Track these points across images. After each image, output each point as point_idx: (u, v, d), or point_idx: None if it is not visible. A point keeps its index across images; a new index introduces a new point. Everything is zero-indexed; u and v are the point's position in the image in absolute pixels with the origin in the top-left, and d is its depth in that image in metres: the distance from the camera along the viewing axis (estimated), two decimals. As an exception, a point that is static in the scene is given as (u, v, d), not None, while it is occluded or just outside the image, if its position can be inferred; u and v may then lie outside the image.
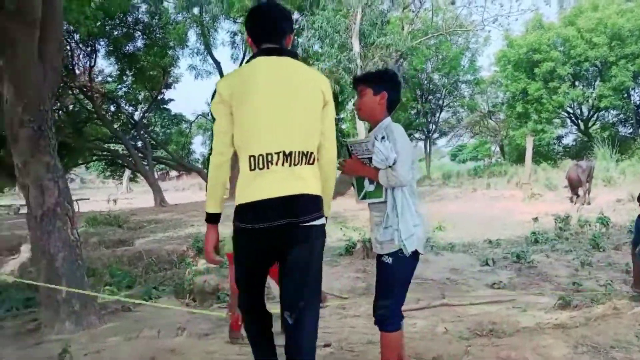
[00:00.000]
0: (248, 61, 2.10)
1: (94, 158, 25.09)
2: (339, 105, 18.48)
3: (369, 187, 2.39)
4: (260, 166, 1.96)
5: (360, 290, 5.54)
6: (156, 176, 25.82)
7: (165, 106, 25.94)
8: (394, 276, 2.35)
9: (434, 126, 30.30)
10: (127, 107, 24.86)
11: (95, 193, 40.25)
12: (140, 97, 24.42)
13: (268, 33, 2.09)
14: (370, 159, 2.32)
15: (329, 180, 2.18)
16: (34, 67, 4.32)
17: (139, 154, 21.93)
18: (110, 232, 13.05)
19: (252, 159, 1.97)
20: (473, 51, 28.22)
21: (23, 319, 5.23)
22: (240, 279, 2.19)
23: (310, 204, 2.03)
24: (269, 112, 1.97)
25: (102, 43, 20.21)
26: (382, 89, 2.39)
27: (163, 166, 31.50)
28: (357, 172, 2.43)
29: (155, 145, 25.01)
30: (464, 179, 23.32)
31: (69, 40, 18.26)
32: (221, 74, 24.63)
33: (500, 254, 7.37)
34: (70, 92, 20.68)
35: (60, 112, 21.22)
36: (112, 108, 24.11)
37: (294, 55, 2.13)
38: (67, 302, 4.57)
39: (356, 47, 16.33)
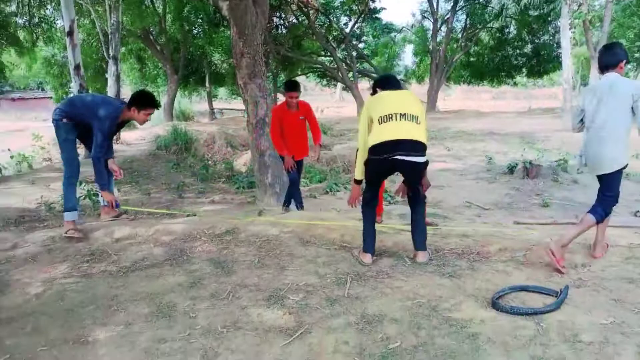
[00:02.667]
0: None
1: (310, 70, 27.98)
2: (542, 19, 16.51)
3: None
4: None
5: (502, 205, 6.11)
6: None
7: (377, 15, 26.93)
8: None
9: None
10: (339, 20, 26.67)
11: (315, 100, 44.80)
12: (351, 10, 25.81)
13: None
14: None
15: None
16: (250, 12, 5.81)
17: (345, 67, 23.75)
18: (316, 137, 15.27)
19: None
20: None
21: (247, 194, 7.35)
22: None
23: None
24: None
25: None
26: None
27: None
28: None
29: (361, 58, 26.58)
30: None
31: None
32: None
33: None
34: (290, 7, 23.11)
35: (282, 27, 24.12)
36: (326, 22, 26.13)
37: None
38: (272, 185, 6.38)
39: None
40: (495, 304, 2.69)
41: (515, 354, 2.27)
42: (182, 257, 3.60)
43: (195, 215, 5.12)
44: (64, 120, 4.12)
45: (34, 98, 36.98)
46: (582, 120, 3.47)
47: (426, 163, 3.35)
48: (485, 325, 2.53)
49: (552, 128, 15.38)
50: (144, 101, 4.14)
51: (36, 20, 10.13)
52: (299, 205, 5.62)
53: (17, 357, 2.39)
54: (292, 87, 5.32)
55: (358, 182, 3.58)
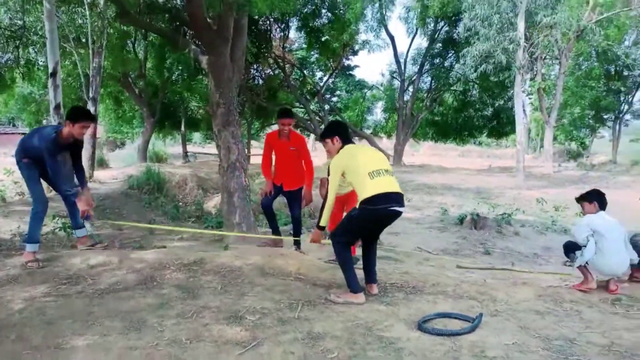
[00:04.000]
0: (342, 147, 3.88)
1: (283, 120, 28.97)
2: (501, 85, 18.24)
3: None
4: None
5: (449, 251, 6.72)
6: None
7: (350, 72, 28.45)
8: None
9: (626, 106, 27.10)
10: (314, 74, 28.05)
11: (285, 149, 45.43)
12: (326, 65, 27.24)
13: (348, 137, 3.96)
14: None
15: None
16: (227, 68, 6.47)
17: (317, 119, 24.82)
18: (285, 183, 15.84)
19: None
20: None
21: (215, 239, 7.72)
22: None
23: None
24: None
25: (293, 20, 23.10)
26: (592, 200, 4.26)
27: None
28: None
29: (332, 112, 27.79)
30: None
31: (268, 18, 21.47)
32: (395, 49, 25.87)
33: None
34: (267, 61, 24.28)
35: (259, 78, 25.19)
36: (301, 75, 27.44)
37: None
38: (239, 225, 6.82)
39: (521, 27, 15.91)
40: (420, 326, 3.20)
41: (430, 364, 2.77)
42: (153, 282, 4.00)
43: (164, 247, 5.52)
44: (24, 160, 4.42)
45: (4, 133, 36.65)
46: None
47: None
48: (410, 342, 3.03)
49: (506, 185, 16.43)
50: (76, 115, 4.32)
51: (21, 60, 10.56)
52: (276, 232, 5.82)
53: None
54: (283, 114, 5.38)
55: (321, 228, 3.94)
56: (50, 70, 10.99)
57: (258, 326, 3.19)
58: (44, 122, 20.05)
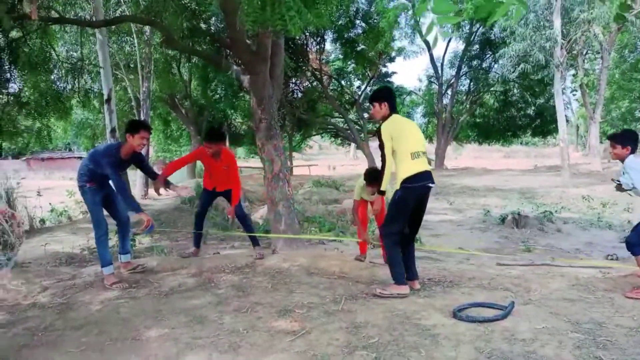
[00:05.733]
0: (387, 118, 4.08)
1: (323, 130, 29.50)
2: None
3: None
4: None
5: (491, 250, 6.85)
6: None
7: (388, 79, 28.69)
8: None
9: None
10: (352, 84, 28.47)
11: (329, 158, 46.13)
12: (363, 74, 27.63)
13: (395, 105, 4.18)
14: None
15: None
16: (267, 85, 6.91)
17: (357, 127, 25.15)
18: (328, 192, 16.25)
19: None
20: None
21: (264, 242, 8.17)
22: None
23: None
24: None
25: (328, 32, 23.64)
26: (626, 144, 4.03)
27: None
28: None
29: (371, 120, 28.04)
30: None
31: (304, 33, 22.10)
32: (431, 54, 25.90)
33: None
34: (305, 74, 24.94)
35: (297, 92, 25.85)
36: (339, 86, 27.93)
37: None
38: (284, 232, 7.23)
39: (557, 24, 15.68)
40: (455, 314, 3.45)
41: (463, 347, 3.03)
42: (210, 284, 4.44)
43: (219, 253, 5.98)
44: (88, 185, 4.55)
45: (62, 158, 39.07)
46: None
47: None
48: (445, 328, 3.29)
49: (552, 184, 16.15)
50: (135, 126, 4.50)
51: (79, 89, 11.50)
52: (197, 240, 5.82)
53: (91, 349, 3.21)
54: (210, 137, 5.33)
55: (382, 192, 4.12)
56: (105, 97, 11.90)
57: (306, 318, 3.54)
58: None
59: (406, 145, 3.94)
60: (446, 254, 7.15)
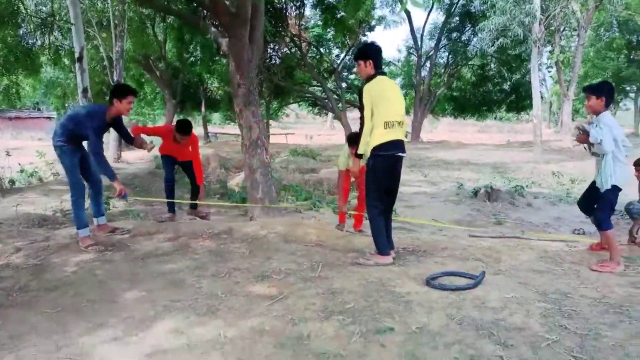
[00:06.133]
0: (372, 78, 3.99)
1: (301, 99, 29.26)
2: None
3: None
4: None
5: (463, 222, 7.02)
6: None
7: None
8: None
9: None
10: (331, 52, 28.12)
11: (306, 127, 45.97)
12: (343, 43, 27.28)
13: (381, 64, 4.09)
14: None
15: None
16: (246, 49, 6.78)
17: (335, 97, 25.03)
18: (305, 161, 16.25)
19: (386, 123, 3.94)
20: None
21: (240, 209, 8.20)
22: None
23: None
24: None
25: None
26: (600, 95, 3.96)
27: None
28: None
29: (349, 89, 27.94)
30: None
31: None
32: (411, 24, 25.72)
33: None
34: (283, 40, 24.49)
35: (276, 58, 25.41)
36: (318, 54, 27.57)
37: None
38: (261, 200, 7.24)
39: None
40: (428, 282, 3.56)
41: (436, 313, 3.13)
42: (187, 249, 4.44)
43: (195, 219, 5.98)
44: (66, 145, 4.46)
45: (30, 117, 37.73)
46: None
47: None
48: (419, 295, 3.39)
49: (523, 160, 16.53)
50: (123, 91, 4.51)
51: (50, 46, 11.05)
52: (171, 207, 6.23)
53: (67, 310, 3.20)
54: (180, 129, 5.82)
55: (359, 156, 4.12)
56: (76, 55, 11.46)
57: (283, 284, 3.60)
58: (69, 105, 20.75)
59: (383, 112, 3.90)
60: (420, 225, 7.31)
